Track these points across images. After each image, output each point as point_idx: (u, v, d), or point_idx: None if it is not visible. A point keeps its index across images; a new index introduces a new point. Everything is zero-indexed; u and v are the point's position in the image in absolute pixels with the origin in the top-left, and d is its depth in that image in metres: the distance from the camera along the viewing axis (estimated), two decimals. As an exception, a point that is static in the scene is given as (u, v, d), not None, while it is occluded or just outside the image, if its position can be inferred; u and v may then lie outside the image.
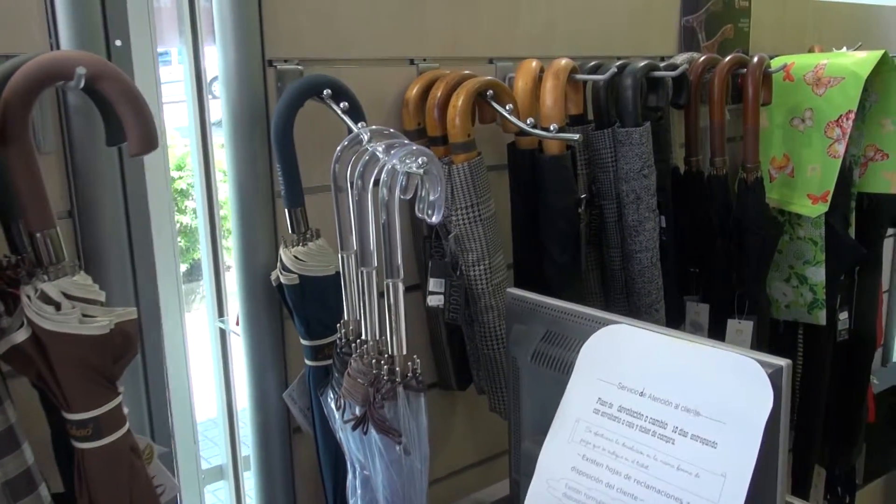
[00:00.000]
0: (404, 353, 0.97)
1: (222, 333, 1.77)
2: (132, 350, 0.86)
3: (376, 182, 0.95)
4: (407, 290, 0.99)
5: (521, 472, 1.16)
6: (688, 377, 0.89)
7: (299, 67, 1.18)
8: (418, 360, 0.97)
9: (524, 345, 1.10)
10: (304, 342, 1.15)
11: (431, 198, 0.98)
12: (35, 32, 0.95)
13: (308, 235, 1.12)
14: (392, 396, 0.95)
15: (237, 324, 1.67)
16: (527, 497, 0.99)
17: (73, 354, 0.82)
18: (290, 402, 1.21)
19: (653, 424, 0.90)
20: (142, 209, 1.08)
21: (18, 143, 0.80)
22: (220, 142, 1.72)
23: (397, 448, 0.95)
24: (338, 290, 1.14)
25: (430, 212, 1.00)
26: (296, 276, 1.10)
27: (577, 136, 1.18)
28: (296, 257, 1.10)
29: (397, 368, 0.96)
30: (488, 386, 1.33)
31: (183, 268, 3.76)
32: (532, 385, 1.11)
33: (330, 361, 1.15)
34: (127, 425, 0.88)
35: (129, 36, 1.02)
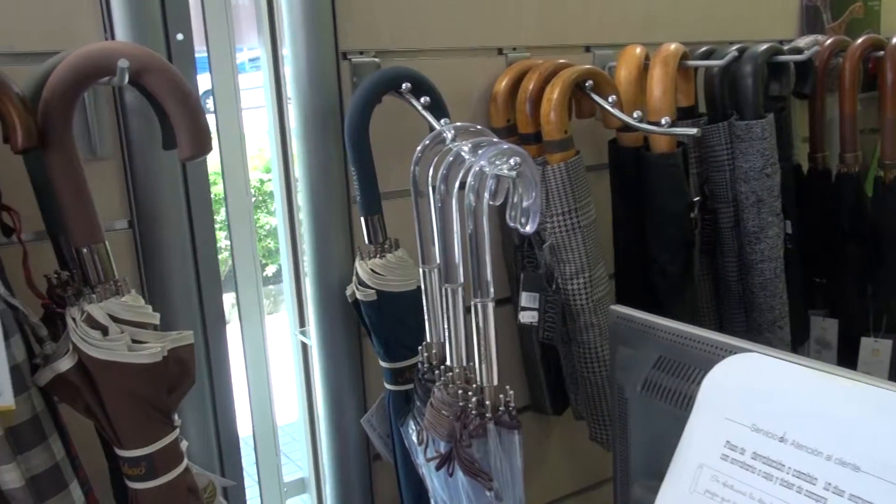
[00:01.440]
0: (495, 383, 0.84)
1: (304, 344, 1.69)
2: (188, 379, 0.77)
3: (462, 186, 0.83)
4: (496, 303, 0.87)
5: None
6: (843, 422, 0.73)
7: (376, 60, 1.07)
8: (511, 392, 0.84)
9: (632, 372, 0.95)
10: (383, 364, 1.04)
11: (525, 204, 0.85)
12: (89, 27, 0.87)
13: (386, 246, 1.01)
14: (481, 433, 0.83)
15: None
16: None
17: (123, 385, 0.72)
18: (368, 429, 1.10)
19: (797, 478, 0.74)
20: (206, 216, 0.99)
21: (60, 148, 0.71)
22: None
23: (488, 494, 0.82)
24: (419, 307, 1.02)
25: (522, 220, 0.86)
26: (373, 291, 0.98)
27: (694, 131, 1.03)
28: (373, 271, 0.99)
29: (487, 402, 0.83)
30: (588, 412, 1.19)
31: (272, 269, 3.73)
32: (642, 419, 0.96)
33: (411, 386, 1.04)
34: (184, 463, 0.79)
35: (191, 30, 0.93)
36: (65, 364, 0.71)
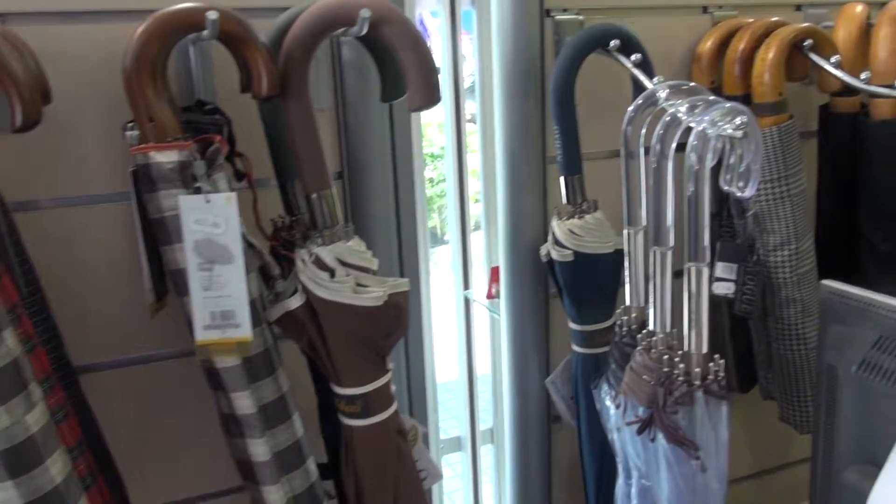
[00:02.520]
0: (704, 350, 0.81)
1: (467, 305, 1.71)
2: (403, 325, 0.79)
3: (678, 147, 0.80)
4: (677, 273, 0.83)
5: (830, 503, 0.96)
6: None
7: (579, 17, 1.05)
8: (721, 362, 0.81)
9: (846, 351, 0.89)
10: (573, 326, 1.03)
11: (743, 166, 0.81)
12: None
13: (585, 207, 1.00)
14: (688, 401, 0.81)
15: (489, 297, 1.60)
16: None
17: (346, 325, 0.76)
18: (552, 390, 1.10)
19: None
20: (408, 172, 1.01)
21: (298, 98, 0.75)
22: (472, 109, 1.64)
23: (693, 463, 0.80)
24: (616, 270, 1.00)
25: (740, 183, 0.83)
26: (570, 252, 0.98)
27: (936, 94, 0.94)
28: (571, 231, 0.98)
29: (696, 369, 0.81)
30: (780, 392, 1.13)
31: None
32: (856, 401, 0.90)
33: (601, 350, 1.03)
34: (395, 405, 0.82)
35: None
36: (294, 302, 0.75)
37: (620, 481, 0.97)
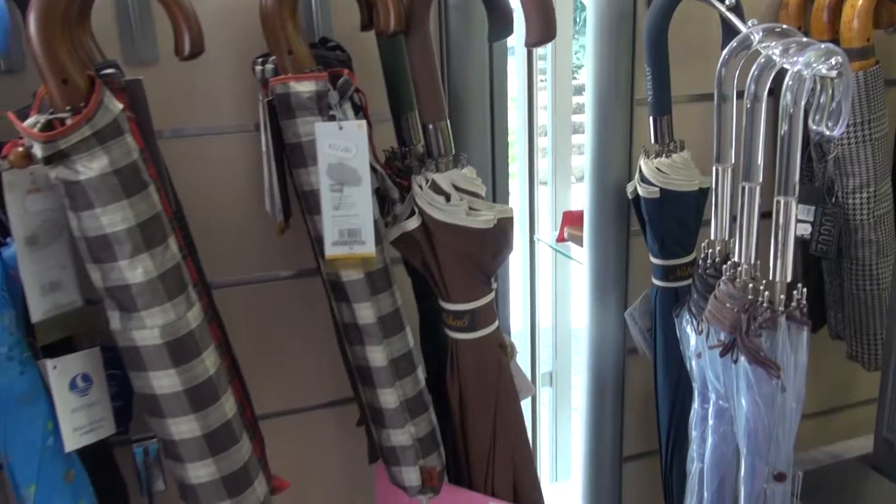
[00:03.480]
0: (788, 279, 0.87)
1: (532, 249, 1.78)
2: (509, 247, 0.86)
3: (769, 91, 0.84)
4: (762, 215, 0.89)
5: (898, 430, 1.01)
6: None
7: (672, -37, 1.08)
8: (804, 290, 0.86)
9: (924, 287, 0.94)
10: (654, 261, 1.09)
11: (833, 106, 0.85)
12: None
13: (672, 147, 1.05)
14: (771, 326, 0.86)
15: (559, 240, 1.66)
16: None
17: (458, 246, 0.83)
18: (630, 322, 1.17)
19: None
20: (503, 115, 1.08)
21: (420, 34, 0.81)
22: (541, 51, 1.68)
23: (774, 382, 0.87)
24: (699, 208, 1.06)
25: (829, 123, 0.87)
26: (657, 189, 1.03)
27: None
28: (658, 169, 1.03)
29: (780, 296, 0.86)
30: (850, 331, 1.18)
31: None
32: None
33: (680, 283, 1.08)
34: (497, 322, 0.89)
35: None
36: (412, 223, 0.83)
37: (696, 405, 1.04)
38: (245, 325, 1.02)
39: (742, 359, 0.89)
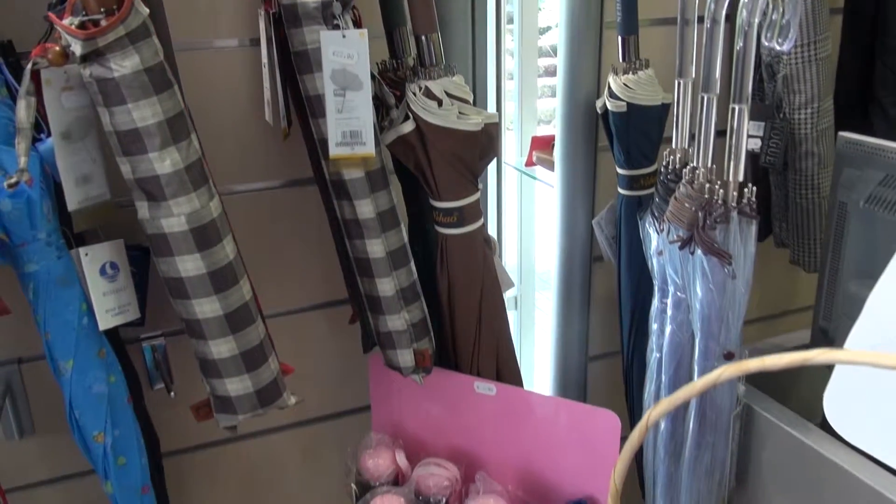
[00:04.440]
0: (740, 178, 0.98)
1: (499, 172, 1.86)
2: (494, 150, 0.95)
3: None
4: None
5: (832, 318, 1.15)
6: None
7: None
8: (754, 189, 0.97)
9: (857, 189, 1.06)
10: (620, 171, 1.19)
11: (784, 22, 0.96)
12: None
13: (637, 65, 1.14)
14: (724, 220, 0.97)
15: (528, 164, 1.76)
16: (852, 333, 0.98)
17: (449, 147, 0.92)
18: (597, 229, 1.28)
19: None
20: (483, 34, 1.15)
21: (415, -50, 0.88)
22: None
23: (726, 270, 0.98)
24: (661, 121, 1.16)
25: (780, 40, 0.97)
26: (624, 103, 1.12)
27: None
28: (626, 85, 1.12)
29: (733, 193, 0.97)
30: (793, 237, 1.31)
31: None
32: (861, 230, 1.07)
33: (643, 192, 1.19)
34: (482, 219, 0.99)
35: None
36: (407, 127, 0.91)
37: (655, 301, 1.15)
38: (243, 231, 1.09)
39: (698, 251, 1.00)
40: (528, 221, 2.10)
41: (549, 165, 1.67)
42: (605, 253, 1.30)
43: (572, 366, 1.38)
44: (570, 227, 1.30)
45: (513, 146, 1.91)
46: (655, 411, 0.72)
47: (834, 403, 0.96)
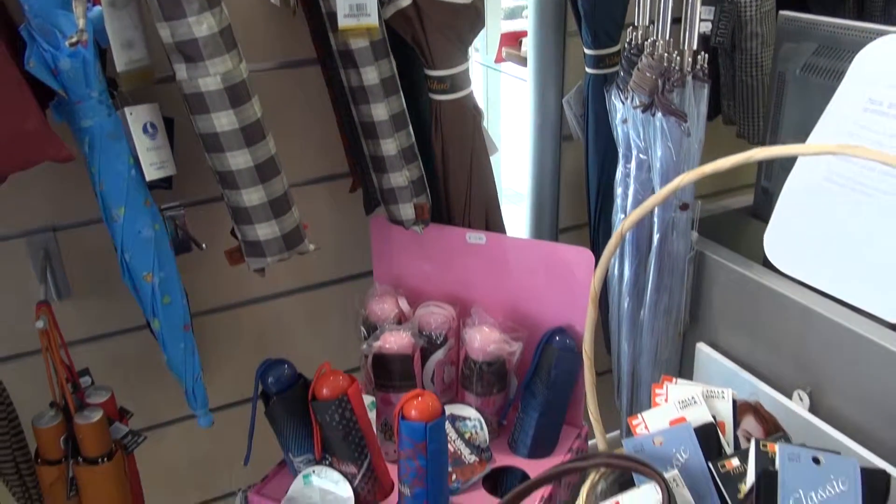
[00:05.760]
0: (695, 47, 1.12)
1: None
2: (481, 21, 1.08)
3: None
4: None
5: (772, 177, 1.32)
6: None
7: None
8: (707, 56, 1.12)
9: (794, 59, 1.22)
10: (588, 52, 1.33)
11: None
12: None
13: (603, -48, 1.26)
14: (680, 84, 1.12)
15: (498, 60, 1.88)
16: (787, 182, 1.14)
17: (443, 19, 1.04)
18: (567, 108, 1.42)
19: (923, 116, 1.02)
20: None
21: None
22: None
23: (682, 127, 1.13)
24: (625, 4, 1.29)
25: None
26: (592, -12, 1.25)
27: None
28: (593, -29, 1.25)
29: (688, 60, 1.12)
30: (741, 113, 1.47)
31: None
32: (798, 96, 1.23)
33: (608, 70, 1.33)
34: (471, 87, 1.12)
35: None
36: (405, 2, 1.03)
37: (620, 167, 1.31)
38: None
39: (658, 114, 1.15)
40: (493, 121, 2.24)
41: (519, 61, 1.80)
42: (574, 131, 1.45)
43: (544, 237, 1.54)
44: (542, 108, 1.44)
45: (478, 41, 2.03)
46: (627, 222, 0.88)
47: (772, 242, 1.13)
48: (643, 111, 1.17)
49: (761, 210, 1.39)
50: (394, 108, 1.07)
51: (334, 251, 1.37)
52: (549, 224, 1.55)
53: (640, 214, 0.85)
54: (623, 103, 1.23)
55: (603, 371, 1.52)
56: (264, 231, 0.99)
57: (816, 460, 0.84)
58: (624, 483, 0.94)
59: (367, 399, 1.10)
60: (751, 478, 0.87)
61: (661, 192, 0.82)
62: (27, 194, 1.11)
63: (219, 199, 1.03)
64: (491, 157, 1.19)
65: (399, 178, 1.10)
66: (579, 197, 1.51)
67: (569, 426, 1.21)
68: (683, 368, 1.37)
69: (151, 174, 0.96)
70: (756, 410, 1.14)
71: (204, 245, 1.10)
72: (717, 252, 1.25)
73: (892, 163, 0.68)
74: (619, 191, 1.32)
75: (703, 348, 1.26)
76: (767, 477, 0.84)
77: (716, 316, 1.28)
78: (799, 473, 0.83)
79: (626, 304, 1.33)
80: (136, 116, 0.94)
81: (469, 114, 1.12)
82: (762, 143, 1.41)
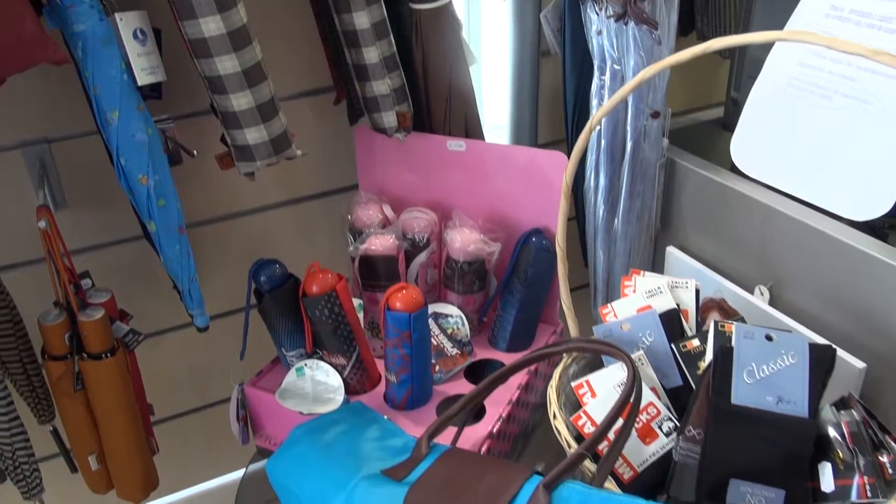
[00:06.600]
0: (666, -40, 1.16)
1: None
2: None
3: None
4: None
5: (741, 88, 1.37)
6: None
7: None
8: (677, -39, 1.16)
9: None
10: (564, -30, 1.36)
11: None
12: None
13: None
14: (651, -8, 1.16)
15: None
16: (752, 92, 1.19)
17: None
18: (544, 23, 1.45)
19: (881, 21, 1.07)
20: None
21: None
22: None
23: (653, 35, 1.18)
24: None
25: None
26: None
27: None
28: None
29: (660, -33, 1.16)
30: (712, 28, 1.51)
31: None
32: (768, 10, 1.27)
33: (585, -14, 1.36)
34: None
35: None
36: None
37: (595, 79, 1.35)
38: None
39: (631, 24, 1.20)
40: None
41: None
42: (552, 46, 1.49)
43: (524, 151, 1.59)
44: (520, 21, 1.47)
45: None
46: (598, 114, 0.93)
47: (738, 146, 1.19)
48: (616, 20, 1.21)
49: (731, 121, 1.44)
50: (375, 16, 1.11)
51: (321, 164, 1.41)
52: (527, 140, 1.60)
53: (610, 107, 0.90)
54: (598, 14, 1.27)
55: (581, 285, 1.60)
56: (253, 135, 1.03)
57: (769, 337, 0.91)
58: (595, 367, 1.02)
59: (356, 302, 1.16)
60: (709, 356, 0.94)
61: (630, 84, 0.87)
62: (21, 106, 1.15)
63: (206, 113, 1.08)
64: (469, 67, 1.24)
65: (381, 87, 1.14)
66: (558, 113, 1.56)
67: (545, 324, 1.28)
68: (655, 271, 1.45)
69: (143, 79, 1.00)
70: (720, 306, 1.22)
71: (195, 152, 1.15)
72: (686, 159, 1.31)
73: (838, 47, 0.73)
74: (594, 102, 1.37)
75: (672, 251, 1.33)
76: (724, 353, 0.91)
77: (685, 220, 1.34)
78: (752, 349, 0.91)
79: (601, 213, 1.39)
80: (127, 22, 0.98)
81: (447, 22, 1.16)
82: (731, 56, 1.46)
